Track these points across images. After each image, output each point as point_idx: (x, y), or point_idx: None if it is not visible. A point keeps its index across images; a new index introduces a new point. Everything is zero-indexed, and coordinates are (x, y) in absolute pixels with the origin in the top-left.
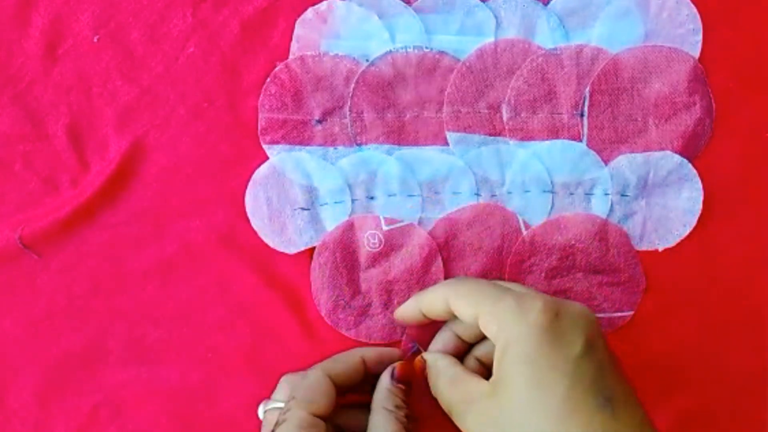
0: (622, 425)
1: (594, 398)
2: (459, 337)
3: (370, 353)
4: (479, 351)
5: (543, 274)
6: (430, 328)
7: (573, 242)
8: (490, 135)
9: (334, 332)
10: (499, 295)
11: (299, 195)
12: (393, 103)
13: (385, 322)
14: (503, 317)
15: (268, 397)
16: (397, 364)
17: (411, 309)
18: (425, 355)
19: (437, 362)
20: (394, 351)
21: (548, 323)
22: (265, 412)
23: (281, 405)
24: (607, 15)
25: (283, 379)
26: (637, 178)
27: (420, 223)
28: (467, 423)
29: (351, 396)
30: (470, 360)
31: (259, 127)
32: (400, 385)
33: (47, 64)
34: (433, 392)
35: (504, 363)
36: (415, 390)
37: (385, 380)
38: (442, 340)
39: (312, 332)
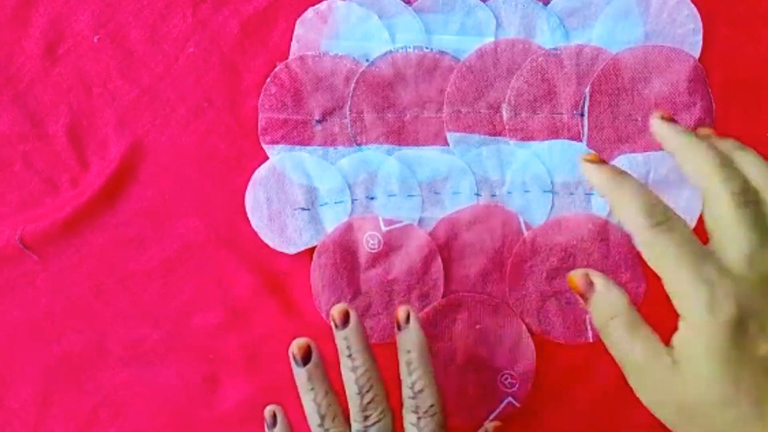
0: None
1: None
2: None
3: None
4: None
5: (544, 275)
6: None
7: (574, 242)
8: (490, 135)
9: None
10: (698, 278)
11: (299, 195)
12: (393, 103)
13: (386, 323)
14: (693, 307)
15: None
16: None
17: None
18: (594, 275)
19: (611, 292)
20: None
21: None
22: None
23: None
24: (607, 15)
25: None
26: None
27: (420, 223)
28: (643, 387)
29: None
30: None
31: (259, 127)
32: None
33: (47, 64)
34: (596, 324)
35: (691, 349)
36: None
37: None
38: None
39: (312, 333)
